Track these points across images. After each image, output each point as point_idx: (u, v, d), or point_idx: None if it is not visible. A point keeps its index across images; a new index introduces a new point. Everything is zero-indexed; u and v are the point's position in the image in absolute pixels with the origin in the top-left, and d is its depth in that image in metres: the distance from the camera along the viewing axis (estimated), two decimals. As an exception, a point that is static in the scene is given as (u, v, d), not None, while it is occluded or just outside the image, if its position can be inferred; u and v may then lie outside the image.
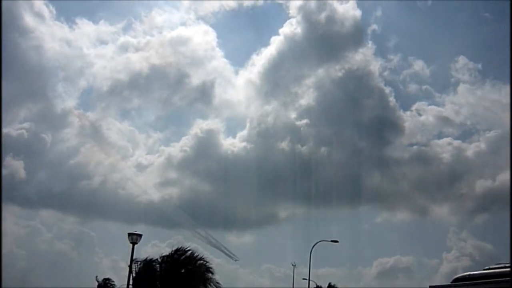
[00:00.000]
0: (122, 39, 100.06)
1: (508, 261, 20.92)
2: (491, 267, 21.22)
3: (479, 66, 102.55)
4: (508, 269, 19.71)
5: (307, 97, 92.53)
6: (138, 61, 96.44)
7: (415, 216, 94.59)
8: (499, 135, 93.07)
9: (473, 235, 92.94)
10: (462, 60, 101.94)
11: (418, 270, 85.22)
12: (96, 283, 56.90)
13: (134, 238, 27.02)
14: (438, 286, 22.53)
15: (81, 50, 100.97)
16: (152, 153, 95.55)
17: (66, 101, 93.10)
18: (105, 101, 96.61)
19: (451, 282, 21.77)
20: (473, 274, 21.45)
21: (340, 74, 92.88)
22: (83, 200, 76.95)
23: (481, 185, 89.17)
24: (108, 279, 59.65)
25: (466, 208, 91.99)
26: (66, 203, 75.29)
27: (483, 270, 21.29)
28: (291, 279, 61.20)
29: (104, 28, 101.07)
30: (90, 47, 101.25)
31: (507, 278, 18.16)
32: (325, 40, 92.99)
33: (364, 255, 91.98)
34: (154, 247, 61.95)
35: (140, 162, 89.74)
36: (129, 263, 30.04)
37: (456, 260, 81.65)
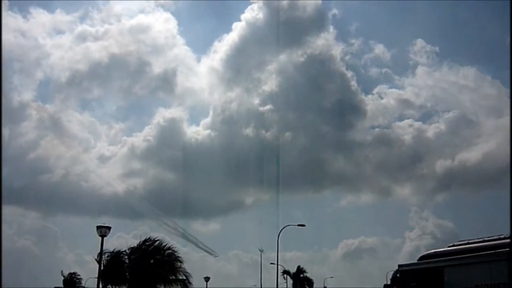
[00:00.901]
0: (80, 28, 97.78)
1: (468, 238, 22.02)
2: (455, 244, 21.89)
3: (436, 49, 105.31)
4: (473, 245, 20.46)
5: (270, 83, 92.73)
6: (97, 51, 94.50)
7: (378, 197, 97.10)
8: (457, 116, 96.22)
9: (434, 214, 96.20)
10: (419, 43, 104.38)
11: (382, 250, 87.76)
12: (62, 278, 55.83)
13: (103, 231, 26.69)
14: (407, 264, 22.92)
15: (36, 40, 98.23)
16: (114, 144, 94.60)
17: (23, 93, 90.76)
18: (64, 93, 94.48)
19: (418, 260, 22.24)
20: (439, 251, 22.01)
21: (302, 59, 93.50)
22: (45, 194, 75.45)
23: (441, 165, 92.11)
24: (73, 273, 58.74)
25: (427, 188, 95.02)
26: (27, 198, 73.67)
27: (448, 247, 21.93)
28: (259, 264, 61.87)
29: (60, 17, 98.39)
30: (46, 37, 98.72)
31: (482, 253, 18.88)
32: (287, 25, 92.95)
33: (330, 237, 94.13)
34: (120, 239, 61.32)
35: (102, 153, 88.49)
36: (96, 257, 29.57)
37: (418, 239, 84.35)
